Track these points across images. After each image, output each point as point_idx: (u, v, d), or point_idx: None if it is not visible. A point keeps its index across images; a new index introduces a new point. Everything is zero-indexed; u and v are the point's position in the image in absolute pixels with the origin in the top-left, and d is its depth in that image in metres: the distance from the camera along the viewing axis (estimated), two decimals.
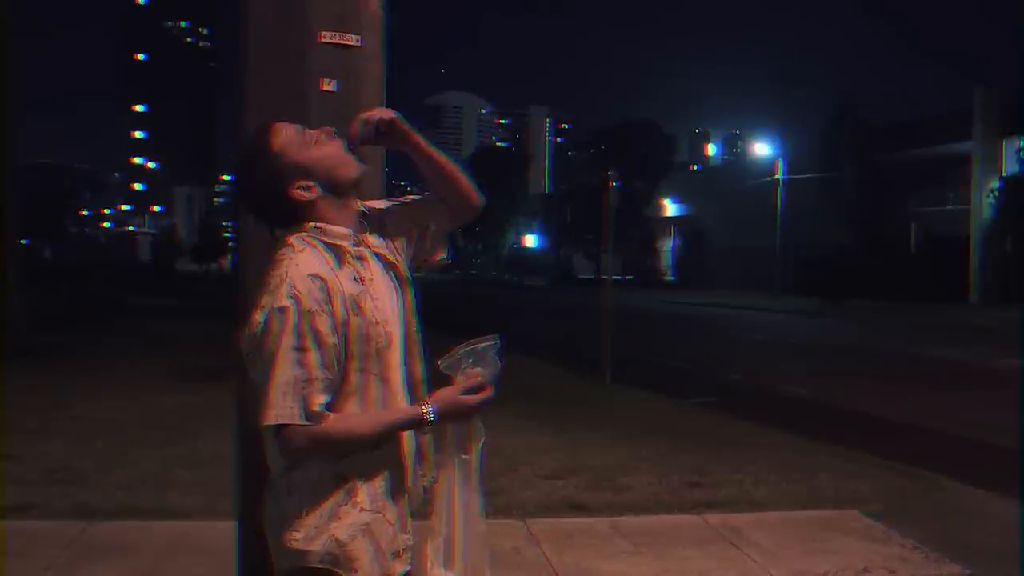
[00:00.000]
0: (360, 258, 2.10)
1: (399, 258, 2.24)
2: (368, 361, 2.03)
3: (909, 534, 5.62)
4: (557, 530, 5.64)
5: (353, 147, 2.13)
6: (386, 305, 2.10)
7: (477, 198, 2.37)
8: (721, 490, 6.60)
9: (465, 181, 2.31)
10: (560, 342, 19.66)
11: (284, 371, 1.90)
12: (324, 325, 1.94)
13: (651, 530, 5.71)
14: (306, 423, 1.90)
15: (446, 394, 2.09)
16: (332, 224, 2.08)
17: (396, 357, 2.12)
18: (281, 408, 1.89)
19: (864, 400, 11.94)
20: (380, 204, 2.32)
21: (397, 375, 2.12)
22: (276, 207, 2.09)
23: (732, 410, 10.40)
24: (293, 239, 2.05)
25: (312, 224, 2.07)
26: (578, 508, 6.15)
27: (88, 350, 15.28)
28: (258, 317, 1.93)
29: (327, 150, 2.10)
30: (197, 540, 5.21)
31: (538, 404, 10.20)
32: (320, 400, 1.92)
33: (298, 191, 2.06)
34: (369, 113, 2.14)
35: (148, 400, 9.95)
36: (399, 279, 2.21)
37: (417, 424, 2.07)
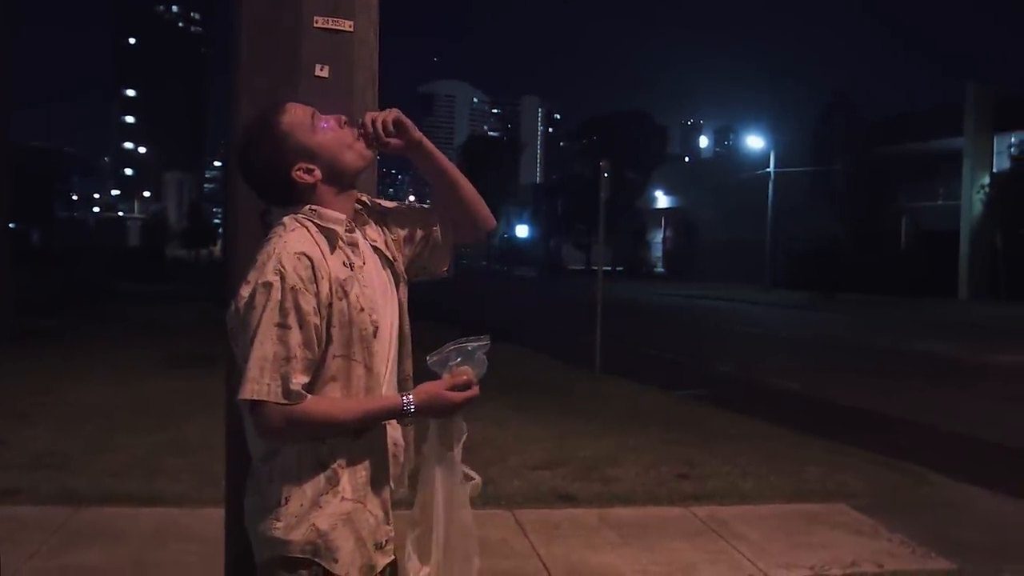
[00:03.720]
0: (352, 244, 2.08)
1: (397, 256, 2.23)
2: (352, 347, 2.01)
3: (897, 528, 5.64)
4: (545, 521, 5.65)
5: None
6: (376, 294, 2.09)
7: (488, 219, 2.35)
8: (710, 482, 6.60)
9: (477, 199, 2.30)
10: (550, 332, 19.66)
11: (265, 347, 1.89)
12: (308, 304, 1.93)
13: (639, 522, 5.71)
14: (284, 402, 1.89)
15: (430, 388, 2.07)
16: (329, 209, 2.07)
17: (384, 348, 2.10)
18: (260, 384, 1.88)
19: (854, 394, 11.97)
20: (388, 204, 2.31)
21: (384, 367, 2.10)
22: (276, 185, 2.08)
23: (722, 402, 10.42)
24: (287, 219, 2.04)
25: (308, 206, 2.06)
26: (566, 499, 6.15)
27: (77, 335, 15.24)
28: (244, 292, 1.93)
29: (335, 136, 2.09)
30: (186, 527, 5.20)
31: (528, 394, 10.20)
32: (300, 380, 1.91)
33: (300, 173, 2.05)
34: (372, 115, 2.12)
35: (137, 386, 9.92)
36: (395, 275, 2.20)
37: (397, 414, 2.04)
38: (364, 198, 2.21)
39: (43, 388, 9.55)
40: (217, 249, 70.14)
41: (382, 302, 2.10)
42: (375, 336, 2.05)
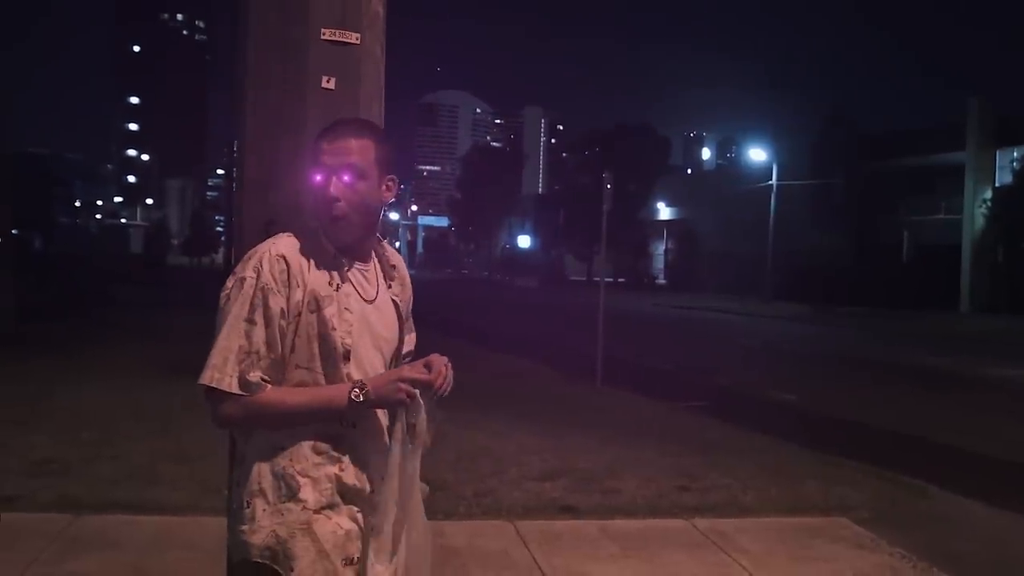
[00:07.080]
0: (344, 269, 2.11)
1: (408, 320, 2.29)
2: (316, 363, 2.05)
3: (898, 542, 5.62)
4: (546, 532, 5.63)
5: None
6: (359, 323, 2.10)
7: None
8: (710, 495, 6.60)
9: None
10: (550, 343, 19.64)
11: (231, 337, 1.98)
12: (276, 305, 2.00)
13: (640, 534, 5.70)
14: (240, 393, 1.96)
15: (385, 372, 2.12)
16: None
17: (355, 372, 2.08)
18: (222, 373, 1.97)
19: (853, 407, 11.97)
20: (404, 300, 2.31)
21: None
22: None
23: (722, 415, 10.41)
24: (293, 229, 2.12)
25: (315, 226, 2.13)
26: (567, 510, 6.14)
27: (77, 341, 15.23)
28: (228, 283, 2.04)
29: (309, 187, 2.11)
30: (185, 535, 5.18)
31: (528, 405, 10.20)
32: (257, 375, 1.98)
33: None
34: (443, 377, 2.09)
35: (137, 393, 9.92)
36: (400, 329, 2.24)
37: (344, 392, 2.01)
38: (396, 263, 2.26)
39: (42, 394, 9.55)
40: (220, 257, 69.94)
41: (361, 330, 2.10)
42: (347, 360, 2.06)
